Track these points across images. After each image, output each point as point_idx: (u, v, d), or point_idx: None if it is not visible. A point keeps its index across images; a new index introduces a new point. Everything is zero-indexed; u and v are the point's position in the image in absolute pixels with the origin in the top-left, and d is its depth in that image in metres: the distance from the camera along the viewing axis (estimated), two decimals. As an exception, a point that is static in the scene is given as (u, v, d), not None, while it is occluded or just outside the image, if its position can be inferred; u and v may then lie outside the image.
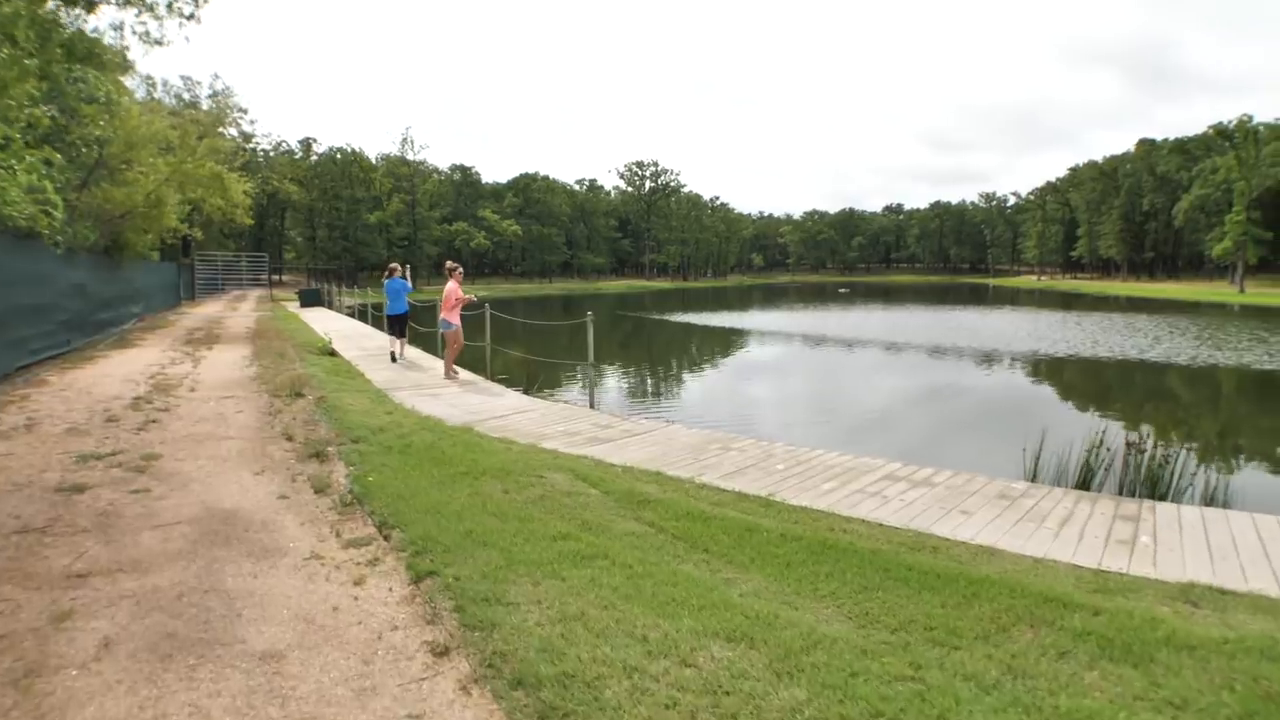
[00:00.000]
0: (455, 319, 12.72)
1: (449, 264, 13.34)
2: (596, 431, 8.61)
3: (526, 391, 12.16)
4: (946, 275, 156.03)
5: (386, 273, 16.29)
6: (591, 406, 10.48)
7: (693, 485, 6.36)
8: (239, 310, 32.24)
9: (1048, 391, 19.29)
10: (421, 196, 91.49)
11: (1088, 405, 16.44)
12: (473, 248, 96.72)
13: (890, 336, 31.59)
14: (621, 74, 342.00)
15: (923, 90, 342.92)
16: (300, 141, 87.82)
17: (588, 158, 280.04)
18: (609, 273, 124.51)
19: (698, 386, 19.91)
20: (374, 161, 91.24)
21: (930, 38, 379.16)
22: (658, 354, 28.13)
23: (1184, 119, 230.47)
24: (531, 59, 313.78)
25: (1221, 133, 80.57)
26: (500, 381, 13.41)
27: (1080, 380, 20.73)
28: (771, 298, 78.49)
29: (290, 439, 7.38)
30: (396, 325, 16.18)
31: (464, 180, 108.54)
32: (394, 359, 15.48)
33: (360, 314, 30.58)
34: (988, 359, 24.22)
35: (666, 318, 47.18)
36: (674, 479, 6.56)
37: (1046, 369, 22.27)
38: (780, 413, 15.08)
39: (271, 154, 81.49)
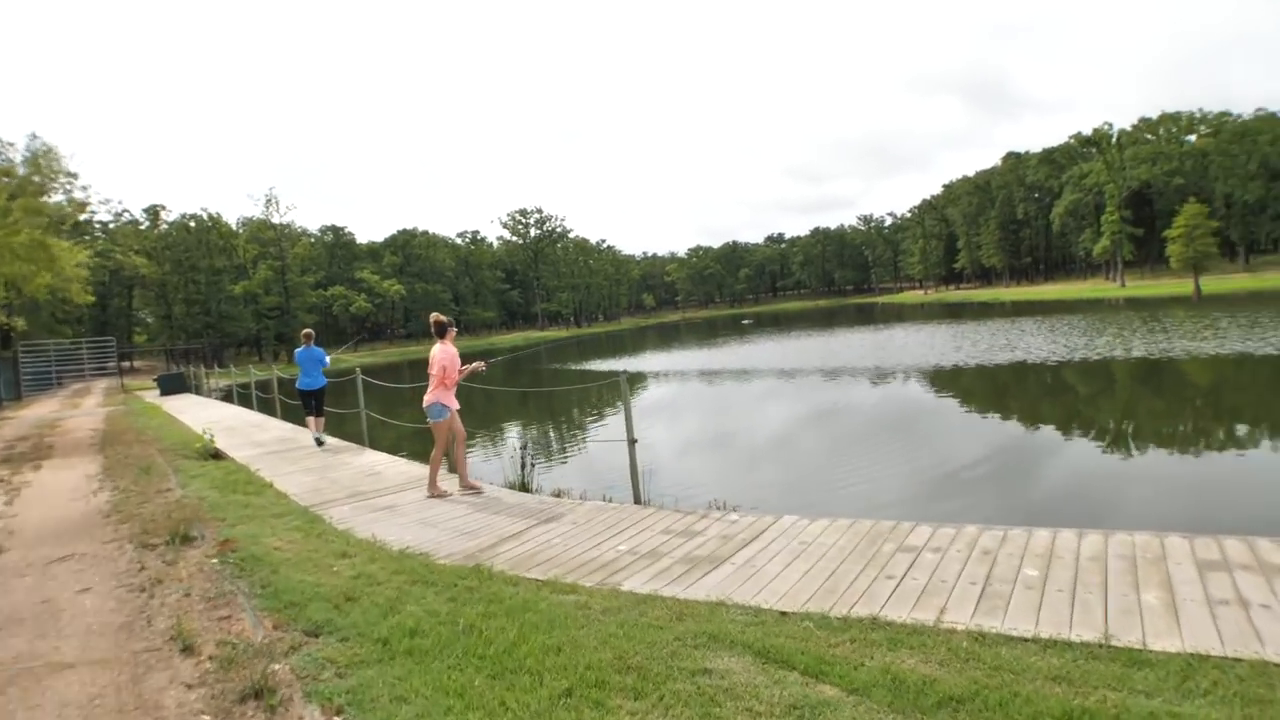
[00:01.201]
0: (452, 401, 8.23)
1: (437, 318, 8.25)
2: (680, 544, 5.62)
3: (524, 486, 8.89)
4: (833, 298, 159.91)
5: (304, 339, 13.33)
6: (638, 500, 7.41)
7: (960, 637, 3.51)
8: (81, 407, 26.41)
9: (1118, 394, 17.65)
10: (292, 261, 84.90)
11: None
12: (353, 312, 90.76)
13: (868, 362, 29.80)
14: (485, 127, 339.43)
15: (784, 126, 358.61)
16: (146, 210, 79.37)
17: (464, 211, 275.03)
18: (499, 326, 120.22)
19: (697, 442, 17.03)
20: (234, 227, 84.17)
21: (787, 76, 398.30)
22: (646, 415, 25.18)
23: (1020, 136, 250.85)
24: (391, 117, 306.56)
25: (1084, 141, 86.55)
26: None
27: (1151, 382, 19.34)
28: (679, 337, 76.80)
29: (190, 651, 4.01)
30: (310, 403, 12.87)
31: (337, 241, 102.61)
32: (320, 444, 12.58)
33: (238, 397, 26.02)
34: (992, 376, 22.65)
35: (603, 364, 44.15)
36: (908, 628, 3.69)
37: (1069, 374, 20.88)
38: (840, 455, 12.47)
39: (112, 225, 73.27)
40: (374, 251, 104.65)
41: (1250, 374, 18.68)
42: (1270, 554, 4.13)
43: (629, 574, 5.03)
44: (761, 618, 4.01)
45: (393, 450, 13.01)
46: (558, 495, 8.54)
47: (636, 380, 33.25)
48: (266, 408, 19.91)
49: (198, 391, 33.32)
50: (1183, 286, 61.47)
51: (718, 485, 9.80)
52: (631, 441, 7.26)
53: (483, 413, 22.53)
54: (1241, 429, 13.19)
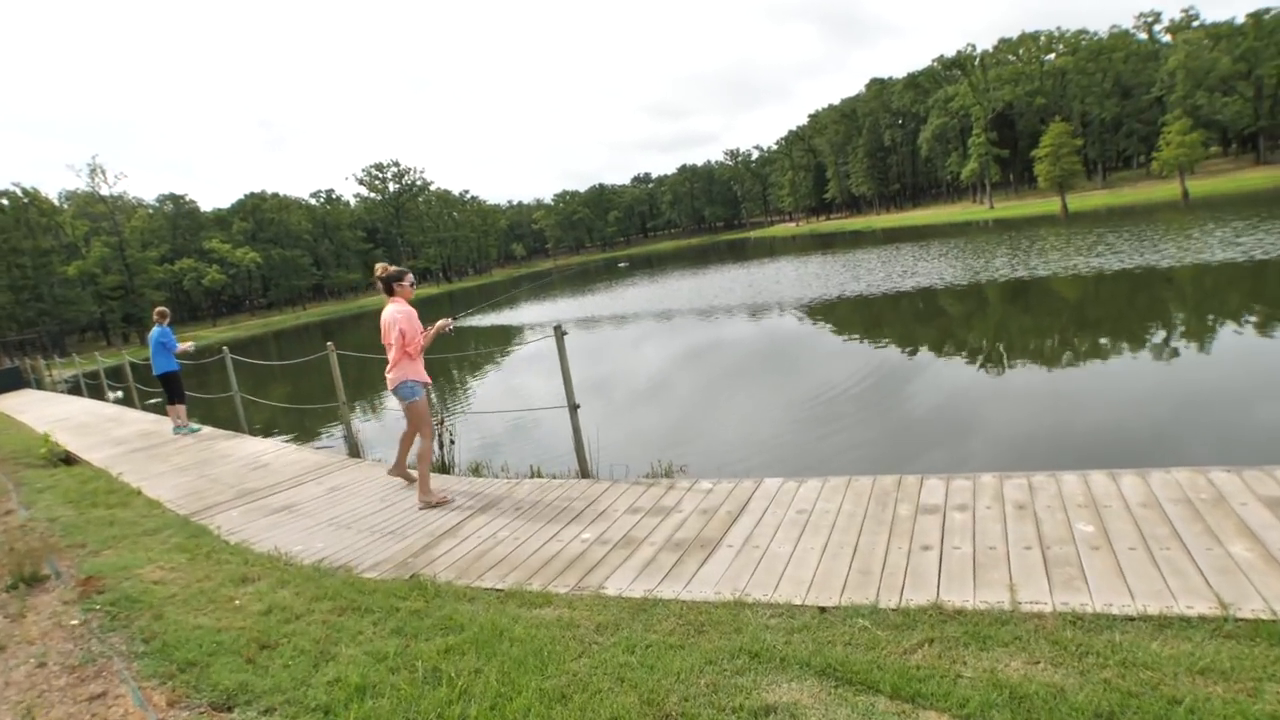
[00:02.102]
0: (424, 374, 6.27)
1: (384, 269, 6.29)
2: (656, 525, 4.81)
3: (444, 467, 7.79)
4: (704, 235, 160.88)
5: (156, 318, 11.84)
6: (585, 474, 6.53)
7: (1054, 623, 2.89)
8: (-100, 415, 23.14)
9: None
10: (130, 235, 77.53)
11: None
12: (206, 285, 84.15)
13: (760, 299, 29.56)
14: (326, 80, 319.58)
15: (639, 63, 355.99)
16: (-55, 191, 70.34)
17: (315, 172, 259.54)
18: (366, 288, 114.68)
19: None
20: (57, 203, 75.71)
21: (638, 8, 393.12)
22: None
23: (877, 63, 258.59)
24: (222, 73, 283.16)
25: (948, 63, 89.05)
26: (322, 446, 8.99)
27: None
28: (554, 285, 75.14)
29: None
30: (168, 389, 11.40)
31: (179, 211, 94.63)
32: (184, 432, 11.39)
33: (87, 388, 23.25)
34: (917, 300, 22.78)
35: (486, 320, 42.37)
36: (986, 616, 3.06)
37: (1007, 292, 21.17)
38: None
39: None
40: (221, 219, 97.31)
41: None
42: (1332, 481, 3.74)
43: (608, 571, 4.21)
44: (799, 618, 3.29)
45: (268, 432, 11.63)
46: (481, 474, 7.59)
47: (515, 334, 32.11)
48: (129, 398, 17.77)
49: (39, 386, 29.80)
50: (1049, 205, 64.85)
51: (657, 446, 9.08)
52: (574, 407, 6.36)
53: (356, 380, 20.94)
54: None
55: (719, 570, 3.93)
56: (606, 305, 37.08)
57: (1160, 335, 13.14)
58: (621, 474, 6.49)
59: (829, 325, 20.51)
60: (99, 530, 6.27)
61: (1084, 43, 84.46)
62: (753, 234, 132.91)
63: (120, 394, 19.27)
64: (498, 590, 4.23)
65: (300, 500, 6.95)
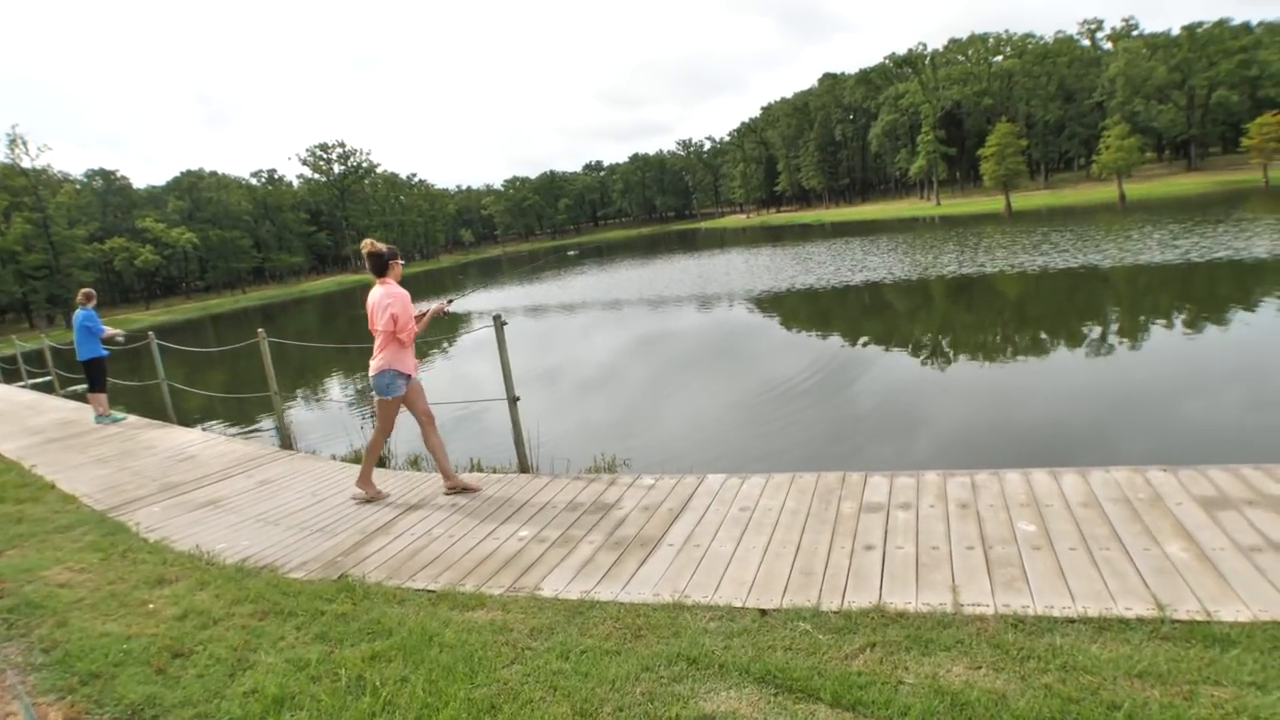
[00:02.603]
0: (412, 365, 5.67)
1: (372, 247, 5.53)
2: (595, 522, 4.68)
3: (381, 461, 7.50)
4: (655, 225, 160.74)
5: (81, 299, 11.22)
6: (525, 468, 6.36)
7: (995, 626, 2.84)
8: None
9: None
10: (55, 212, 73.91)
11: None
12: (138, 266, 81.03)
13: (709, 289, 29.53)
14: (265, 55, 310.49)
15: (594, 49, 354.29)
16: None
17: (255, 151, 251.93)
18: (309, 272, 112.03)
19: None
20: (-30, 176, 71.81)
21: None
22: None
23: (831, 58, 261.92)
24: (155, 40, 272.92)
25: (899, 61, 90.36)
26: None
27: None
28: (502, 272, 74.34)
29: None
30: (90, 376, 10.92)
31: (109, 188, 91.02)
32: (100, 421, 10.92)
33: (4, 374, 22.13)
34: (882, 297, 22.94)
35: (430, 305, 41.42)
36: (928, 619, 3.01)
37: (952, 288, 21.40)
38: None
39: None
40: (155, 197, 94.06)
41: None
42: (1264, 484, 3.79)
43: (545, 570, 4.07)
44: (740, 621, 3.20)
45: (204, 422, 11.17)
46: (419, 467, 7.37)
47: (460, 321, 31.61)
48: (45, 385, 16.96)
49: (-45, 372, 28.28)
50: (993, 204, 66.43)
51: (601, 439, 8.94)
52: (513, 400, 6.19)
53: (297, 367, 20.34)
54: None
55: (659, 570, 3.82)
56: (555, 294, 36.76)
57: (1099, 333, 13.49)
58: (563, 468, 6.35)
59: (777, 318, 20.64)
60: (4, 528, 5.91)
61: (1030, 46, 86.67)
62: (703, 225, 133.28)
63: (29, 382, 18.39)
64: (429, 591, 4.05)
65: (227, 495, 6.65)
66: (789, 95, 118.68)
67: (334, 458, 7.92)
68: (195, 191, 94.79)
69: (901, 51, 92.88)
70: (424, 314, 5.73)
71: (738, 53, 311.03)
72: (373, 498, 5.84)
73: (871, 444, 8.48)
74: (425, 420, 5.76)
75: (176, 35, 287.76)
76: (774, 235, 68.44)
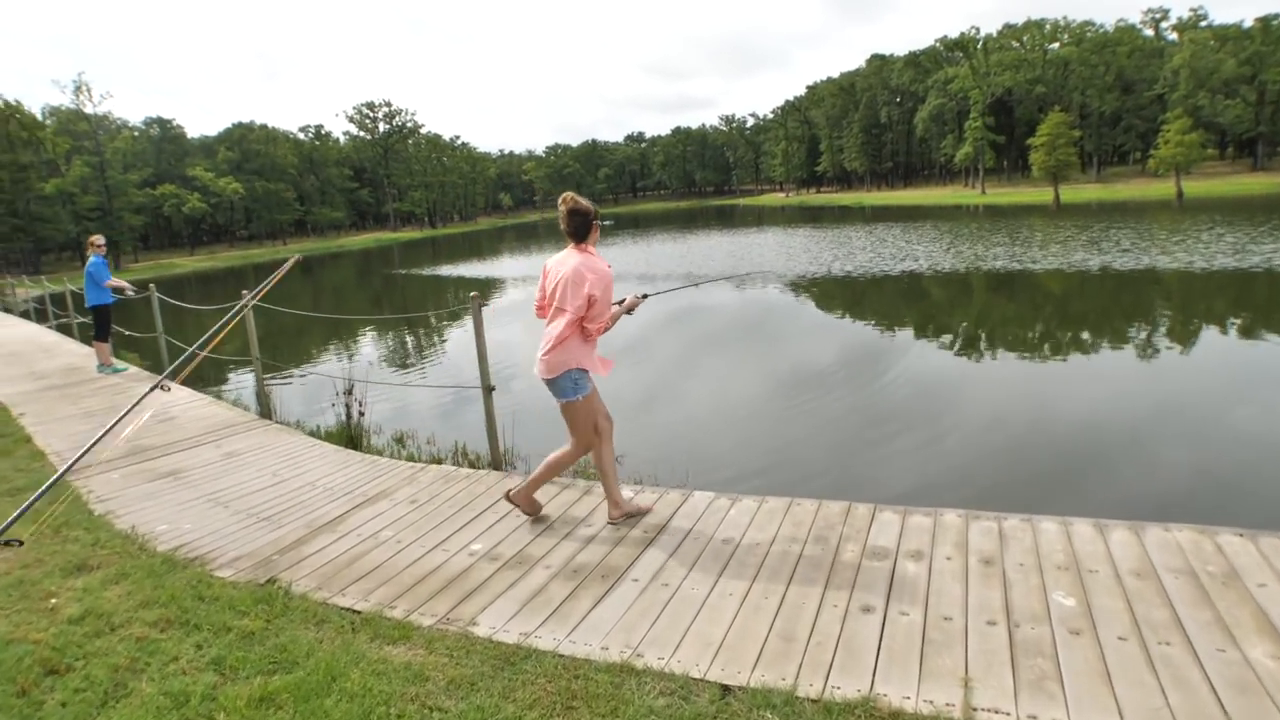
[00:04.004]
0: (599, 364, 4.37)
1: (574, 203, 4.18)
2: (555, 544, 4.09)
3: (354, 442, 6.98)
4: (694, 199, 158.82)
5: (91, 247, 10.97)
6: (498, 466, 5.80)
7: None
8: None
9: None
10: (112, 157, 75.16)
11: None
12: (185, 213, 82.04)
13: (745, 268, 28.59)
14: (323, 14, 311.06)
15: (640, 20, 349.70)
16: (-83, 97, 67.53)
17: (307, 106, 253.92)
18: (349, 227, 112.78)
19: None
20: (40, 118, 73.09)
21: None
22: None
23: (879, 39, 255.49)
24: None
25: (950, 45, 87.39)
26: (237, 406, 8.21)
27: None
28: (538, 237, 73.69)
29: None
30: (96, 323, 10.73)
31: (164, 136, 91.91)
32: (102, 370, 10.79)
33: (42, 313, 22.21)
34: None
35: (458, 268, 41.14)
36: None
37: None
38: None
39: None
40: (207, 147, 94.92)
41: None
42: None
43: (488, 599, 3.49)
44: (695, 701, 2.58)
45: (201, 386, 10.77)
46: (391, 453, 6.83)
47: (493, 286, 31.05)
48: (71, 329, 16.89)
49: (3, 306, 28.65)
50: (1041, 195, 64.08)
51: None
52: (488, 389, 5.59)
53: (293, 339, 19.92)
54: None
55: (615, 613, 3.22)
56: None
57: (1165, 341, 12.49)
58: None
59: (807, 304, 19.72)
60: (-55, 487, 5.51)
61: (1089, 34, 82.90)
62: (742, 201, 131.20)
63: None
64: (354, 612, 3.51)
65: (190, 466, 6.20)
66: (835, 75, 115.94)
67: (309, 432, 7.45)
68: (245, 143, 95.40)
69: (953, 35, 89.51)
70: (620, 303, 4.44)
71: (785, 29, 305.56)
72: (632, 513, 4.42)
73: (890, 459, 7.69)
74: (601, 433, 4.36)
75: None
76: (812, 216, 66.84)
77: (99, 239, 11.00)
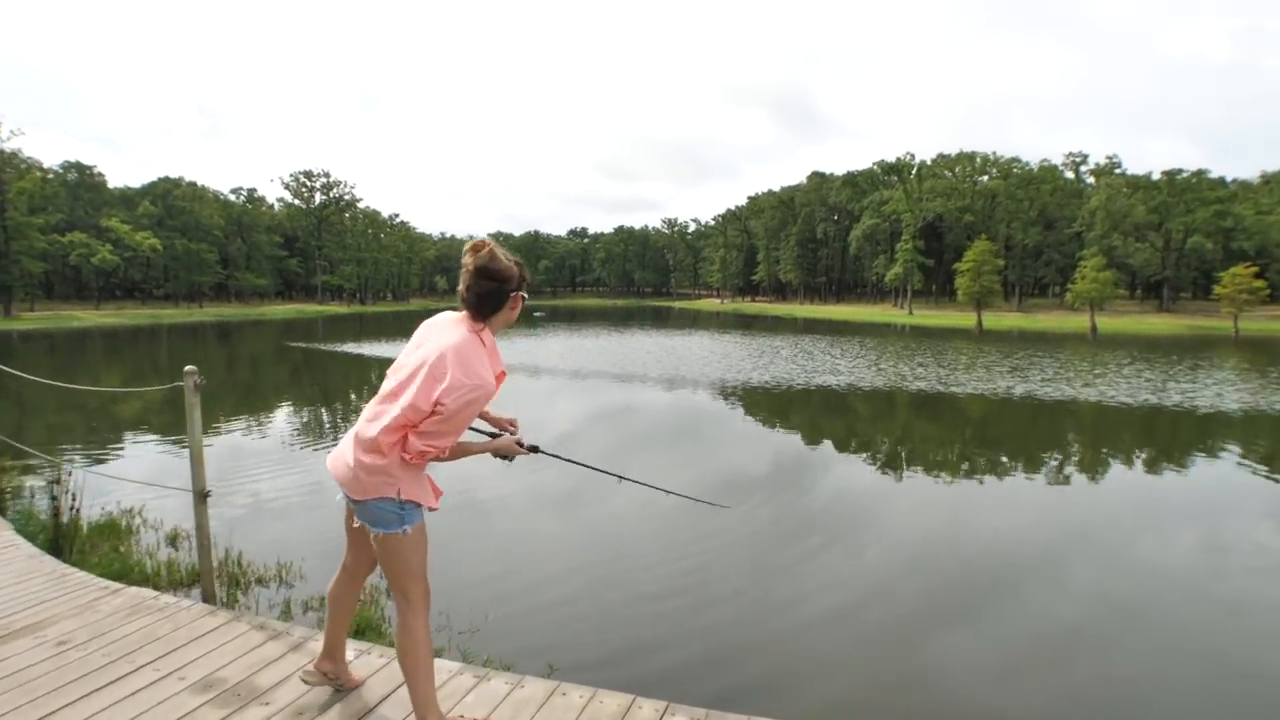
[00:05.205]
0: (426, 493, 2.76)
1: (484, 248, 2.90)
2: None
3: (56, 540, 5.04)
4: (631, 299, 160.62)
5: None
6: (210, 599, 4.03)
7: None
8: None
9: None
10: (15, 197, 70.72)
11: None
12: (95, 264, 77.54)
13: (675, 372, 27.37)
14: (273, 78, 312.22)
15: (597, 121, 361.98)
16: None
17: (244, 168, 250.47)
18: (274, 295, 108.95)
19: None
20: (-69, 151, 68.57)
21: (603, 71, 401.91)
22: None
23: (824, 158, 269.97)
24: (167, 45, 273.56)
25: (886, 168, 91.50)
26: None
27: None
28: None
29: None
30: None
31: (82, 182, 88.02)
32: None
33: None
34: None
35: (379, 346, 38.79)
36: None
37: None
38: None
39: None
40: (128, 198, 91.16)
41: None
42: None
43: None
44: None
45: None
46: (103, 564, 5.00)
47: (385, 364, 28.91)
48: None
49: None
50: (965, 319, 65.78)
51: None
52: (201, 494, 3.90)
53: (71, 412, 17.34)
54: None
55: None
56: (507, 353, 34.13)
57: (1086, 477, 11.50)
58: (268, 603, 4.04)
59: (732, 415, 18.48)
60: None
61: (1016, 170, 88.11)
62: (678, 304, 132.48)
63: None
64: None
65: None
66: (777, 188, 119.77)
67: (19, 528, 5.52)
68: (170, 199, 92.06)
69: (890, 159, 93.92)
70: (493, 436, 3.01)
71: (737, 142, 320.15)
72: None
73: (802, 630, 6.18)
74: (368, 571, 3.01)
75: (186, 42, 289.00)
76: (746, 323, 67.04)
77: None
